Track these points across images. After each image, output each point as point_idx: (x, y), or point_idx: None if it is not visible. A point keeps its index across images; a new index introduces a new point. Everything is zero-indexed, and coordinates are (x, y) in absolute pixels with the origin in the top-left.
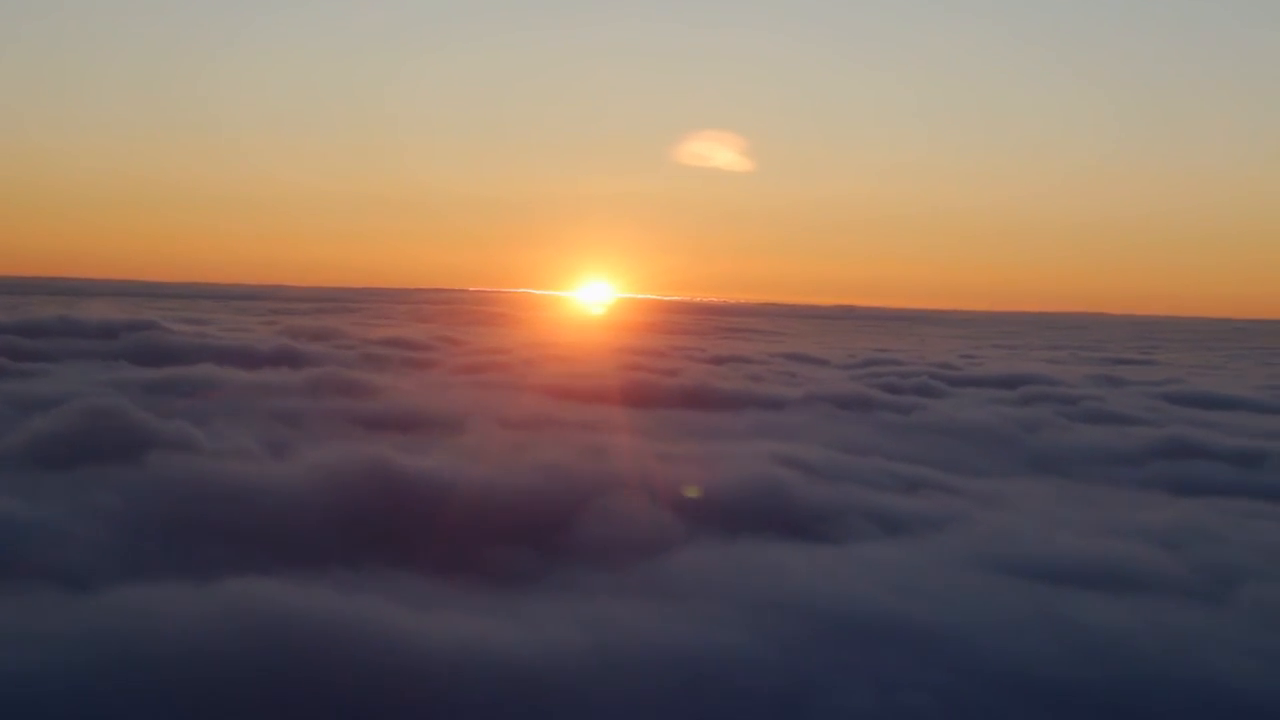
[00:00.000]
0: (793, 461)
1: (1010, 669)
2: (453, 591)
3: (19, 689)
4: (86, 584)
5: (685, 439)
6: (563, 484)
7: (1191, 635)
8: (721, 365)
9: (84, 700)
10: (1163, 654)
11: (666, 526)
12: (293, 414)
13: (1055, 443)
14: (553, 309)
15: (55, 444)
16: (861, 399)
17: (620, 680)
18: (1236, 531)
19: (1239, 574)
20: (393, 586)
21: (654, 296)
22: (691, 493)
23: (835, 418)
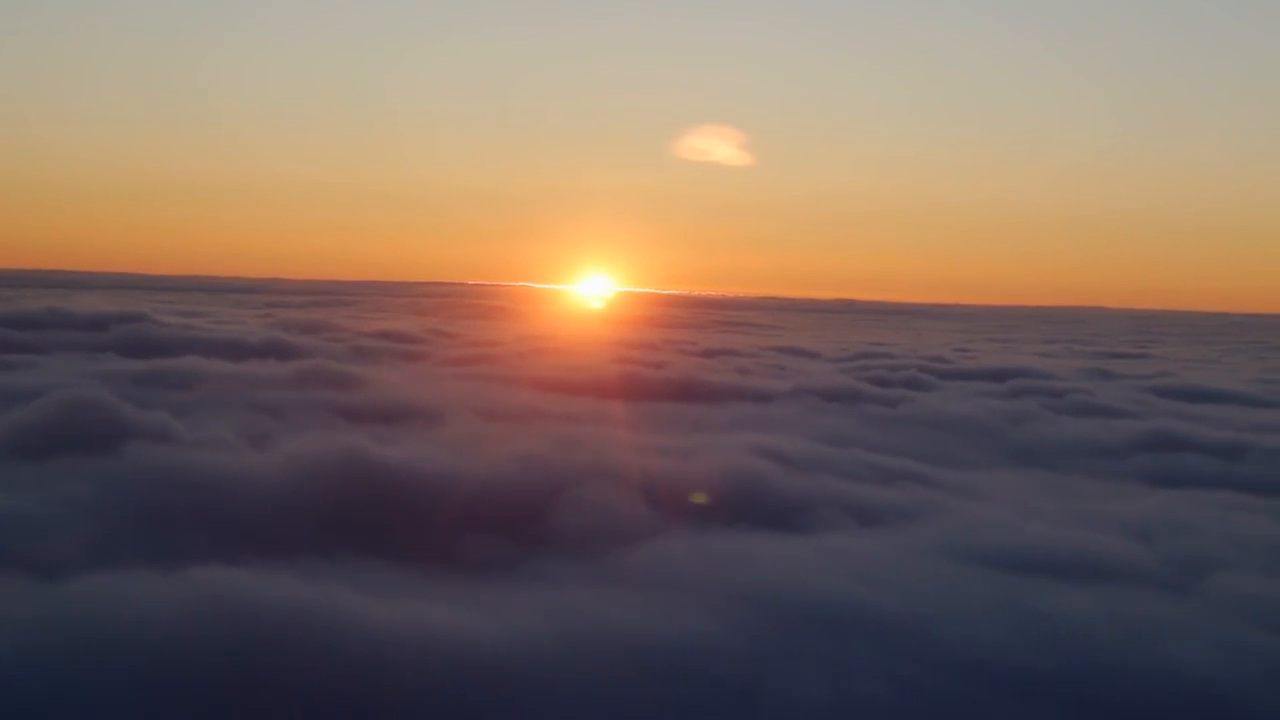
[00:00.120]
0: (772, 453)
1: (972, 658)
2: (423, 581)
3: None
4: (54, 573)
5: (668, 431)
6: (539, 474)
7: (1155, 625)
8: (712, 358)
9: (46, 685)
10: (1124, 643)
11: (641, 517)
12: (276, 406)
13: (1039, 435)
14: (551, 303)
15: (33, 435)
16: (849, 392)
17: (582, 668)
18: (1213, 523)
19: (1210, 565)
20: (363, 576)
21: (653, 290)
22: (670, 485)
23: (821, 410)
